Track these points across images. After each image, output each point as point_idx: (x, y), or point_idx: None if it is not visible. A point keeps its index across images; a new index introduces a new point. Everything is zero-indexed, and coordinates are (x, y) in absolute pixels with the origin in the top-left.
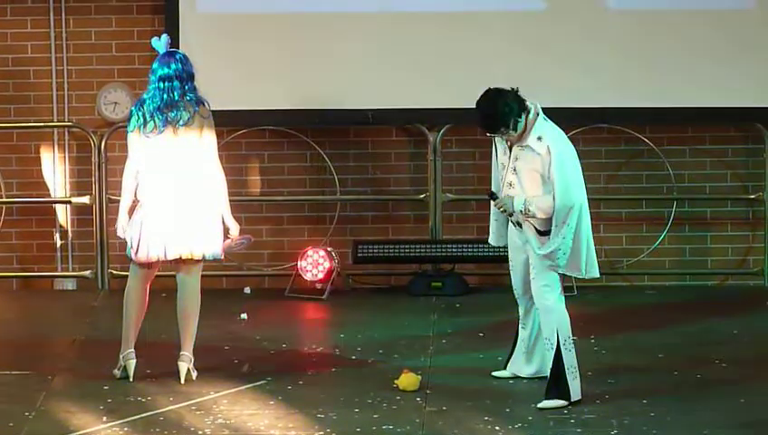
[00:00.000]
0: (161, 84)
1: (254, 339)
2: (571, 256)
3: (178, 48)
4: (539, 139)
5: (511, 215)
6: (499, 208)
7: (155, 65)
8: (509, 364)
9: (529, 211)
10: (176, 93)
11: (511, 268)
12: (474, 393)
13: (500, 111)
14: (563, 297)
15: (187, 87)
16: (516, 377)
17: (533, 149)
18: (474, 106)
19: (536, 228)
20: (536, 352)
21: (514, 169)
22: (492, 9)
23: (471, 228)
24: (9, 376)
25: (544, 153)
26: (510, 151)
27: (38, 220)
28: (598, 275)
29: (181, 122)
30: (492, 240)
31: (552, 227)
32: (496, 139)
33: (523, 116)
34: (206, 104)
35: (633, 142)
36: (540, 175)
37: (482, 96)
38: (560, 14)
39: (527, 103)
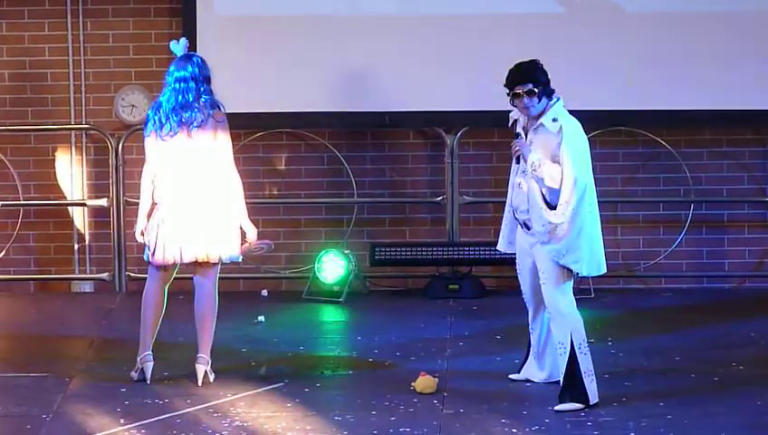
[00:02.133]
0: (177, 85)
1: (272, 341)
2: (571, 244)
3: (196, 51)
4: (554, 120)
5: (518, 161)
6: (515, 151)
7: (171, 68)
8: (522, 369)
9: (539, 168)
10: (191, 95)
11: (518, 272)
12: (491, 396)
13: (534, 70)
14: (575, 301)
15: (202, 89)
16: (531, 381)
17: (547, 128)
18: (489, 109)
19: (545, 199)
20: (546, 356)
21: None
22: (509, 12)
23: (488, 231)
24: (27, 378)
25: (556, 132)
26: (525, 137)
27: (55, 223)
28: (596, 274)
29: (195, 124)
30: (501, 246)
31: (559, 206)
32: (516, 127)
33: (545, 99)
34: (221, 108)
35: (650, 145)
36: (550, 155)
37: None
38: (577, 17)
39: (554, 93)
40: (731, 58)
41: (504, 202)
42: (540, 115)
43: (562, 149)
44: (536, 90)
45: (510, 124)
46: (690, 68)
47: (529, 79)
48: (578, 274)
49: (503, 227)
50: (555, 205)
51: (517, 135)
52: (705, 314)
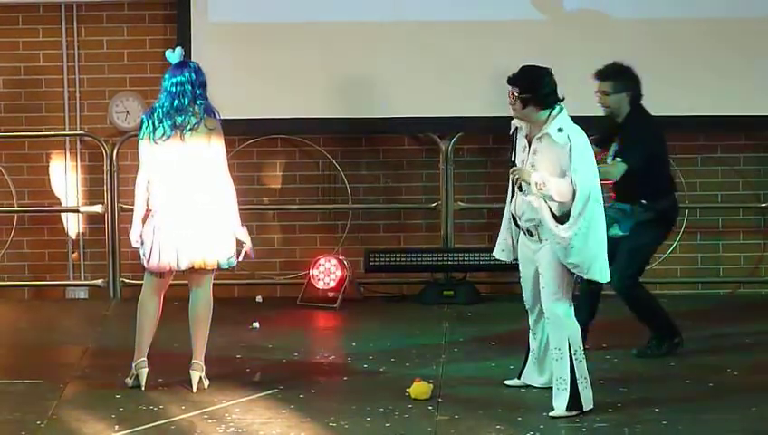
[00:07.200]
0: (172, 89)
1: (266, 348)
2: (582, 251)
3: (190, 57)
4: (559, 130)
5: (520, 188)
6: (514, 177)
7: (167, 74)
8: (522, 374)
9: (544, 186)
10: (186, 99)
11: (521, 280)
12: (485, 402)
13: (524, 77)
14: (573, 307)
15: (198, 93)
16: (528, 386)
17: (553, 139)
18: (483, 115)
19: (553, 214)
20: (547, 361)
21: (532, 165)
22: (501, 18)
23: (483, 237)
24: (21, 385)
25: (564, 143)
26: (528, 147)
27: (50, 229)
28: (605, 280)
29: (188, 128)
30: (496, 253)
31: (571, 217)
32: (518, 135)
33: (548, 110)
34: (215, 114)
35: None
36: (557, 167)
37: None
38: (569, 24)
39: (560, 103)
40: (724, 64)
41: (500, 208)
42: (543, 123)
43: (574, 160)
44: (516, 93)
45: (511, 132)
46: (683, 74)
47: (529, 81)
48: (580, 279)
49: (500, 233)
50: (562, 216)
51: (512, 163)
52: (700, 319)
